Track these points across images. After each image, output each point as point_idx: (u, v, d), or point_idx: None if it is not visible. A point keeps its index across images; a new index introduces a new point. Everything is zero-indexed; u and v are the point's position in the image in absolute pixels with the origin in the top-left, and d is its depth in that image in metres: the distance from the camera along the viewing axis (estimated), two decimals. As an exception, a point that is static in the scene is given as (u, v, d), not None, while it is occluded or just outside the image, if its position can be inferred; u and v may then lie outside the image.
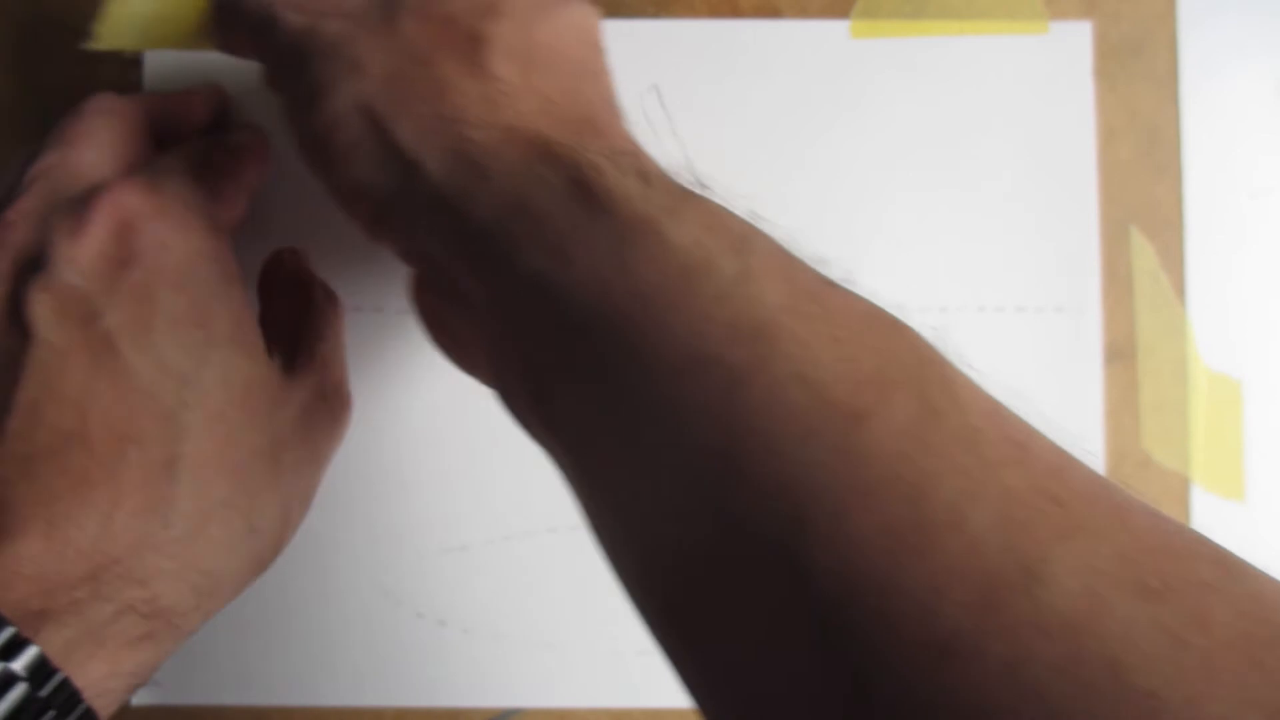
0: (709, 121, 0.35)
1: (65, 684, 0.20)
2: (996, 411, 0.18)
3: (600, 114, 0.24)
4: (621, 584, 0.21)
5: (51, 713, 0.20)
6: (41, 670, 0.20)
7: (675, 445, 0.19)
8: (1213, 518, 0.35)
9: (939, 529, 0.16)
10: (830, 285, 0.20)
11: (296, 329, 0.29)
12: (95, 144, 0.27)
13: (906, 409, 0.17)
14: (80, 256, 0.24)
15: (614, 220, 0.20)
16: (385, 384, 0.35)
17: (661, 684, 0.35)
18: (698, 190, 0.21)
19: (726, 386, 0.18)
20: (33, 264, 0.24)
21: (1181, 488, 0.35)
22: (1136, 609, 0.15)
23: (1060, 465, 0.17)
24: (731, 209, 0.21)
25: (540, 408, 0.22)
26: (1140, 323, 0.35)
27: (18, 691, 0.19)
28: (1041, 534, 0.16)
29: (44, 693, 0.20)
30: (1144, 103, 0.36)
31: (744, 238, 0.20)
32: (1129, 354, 0.35)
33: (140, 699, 0.34)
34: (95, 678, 0.21)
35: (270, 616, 0.34)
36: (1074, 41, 0.36)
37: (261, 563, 0.27)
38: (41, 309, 0.23)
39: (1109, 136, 0.36)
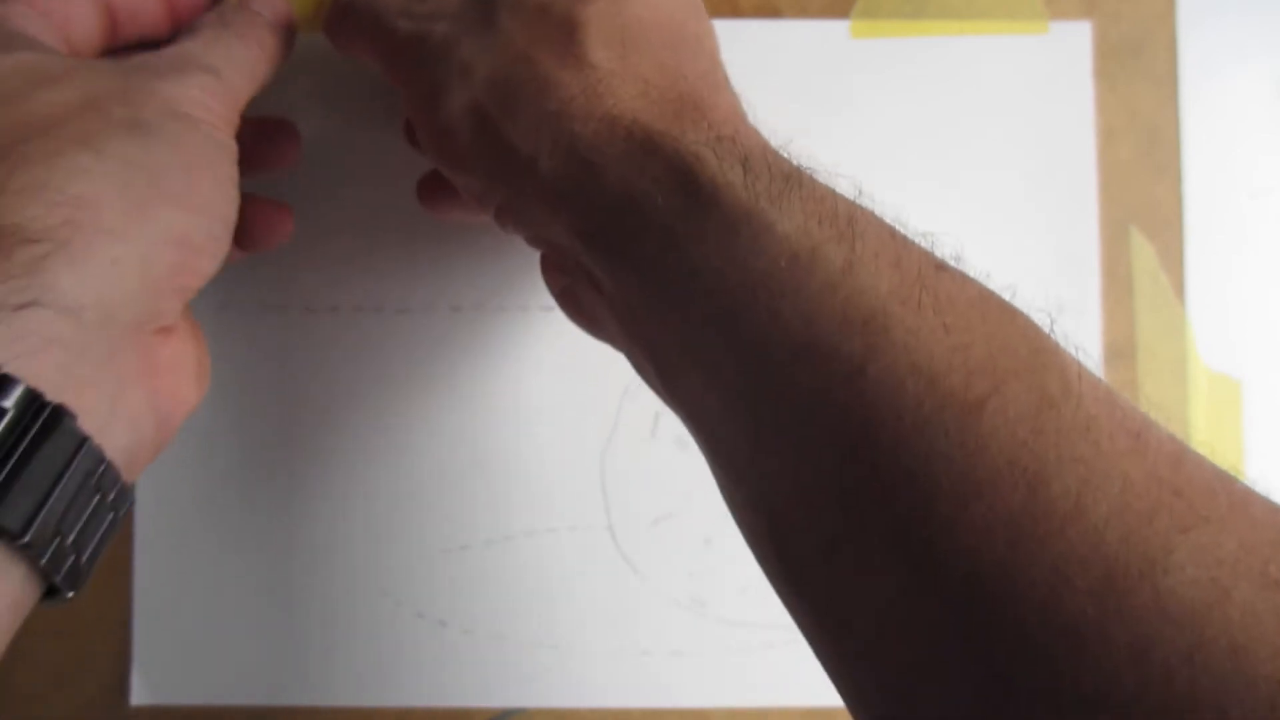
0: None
1: None
2: (1111, 400, 0.18)
3: (700, 89, 0.24)
4: (749, 544, 0.22)
5: None
6: None
7: (795, 430, 0.20)
8: (1213, 518, 0.35)
9: (1059, 518, 0.17)
10: (940, 268, 0.20)
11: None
12: None
13: (1022, 398, 0.18)
14: None
15: (720, 211, 0.21)
16: (385, 384, 0.35)
17: (662, 684, 0.35)
18: (801, 169, 0.21)
19: (844, 376, 0.19)
20: None
21: (1181, 488, 0.35)
22: (1258, 597, 0.16)
23: (1178, 455, 0.18)
24: (836, 189, 0.21)
25: (666, 385, 0.23)
26: (1140, 323, 0.35)
27: None
28: (1162, 524, 0.16)
29: None
30: (1144, 103, 0.36)
31: (850, 222, 0.20)
32: (1129, 354, 0.35)
33: (140, 698, 0.34)
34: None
35: (270, 616, 0.34)
36: (1074, 41, 0.36)
37: (149, 172, 0.24)
38: None
39: (1109, 136, 0.36)
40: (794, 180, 0.21)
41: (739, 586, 0.35)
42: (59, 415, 0.21)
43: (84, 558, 0.23)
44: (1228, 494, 0.17)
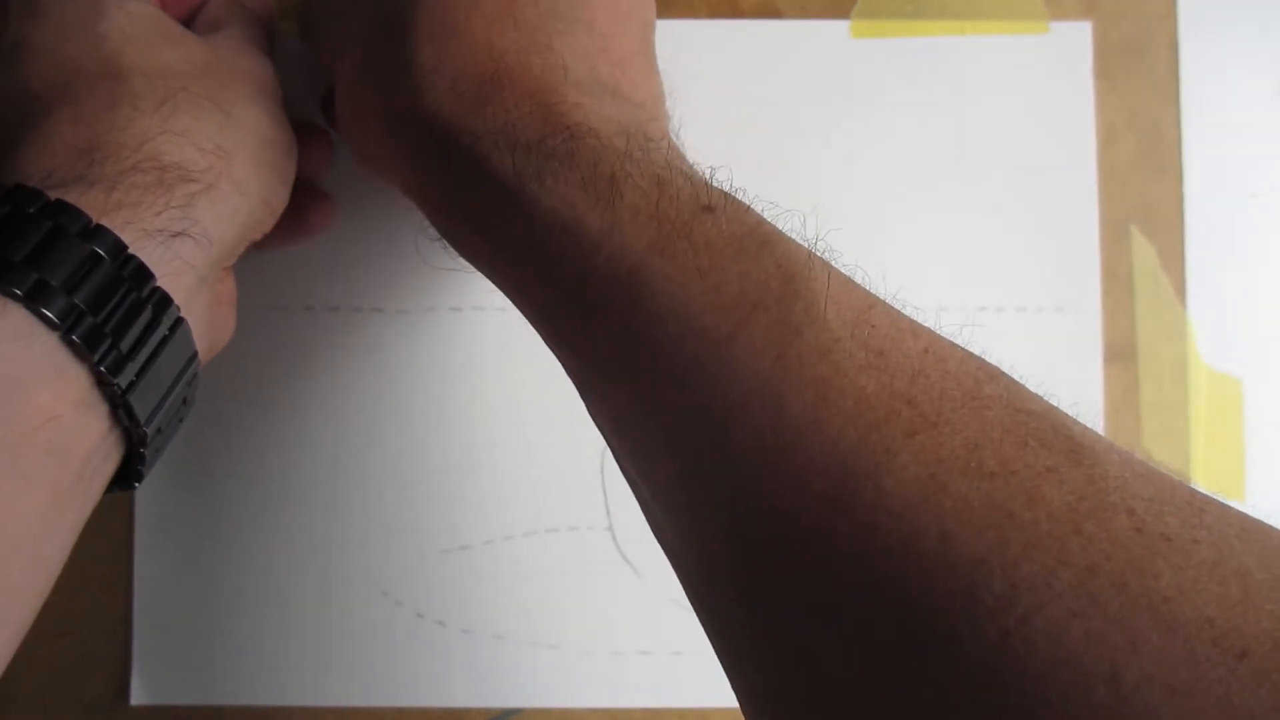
0: (709, 121, 0.35)
1: (111, 237, 0.23)
2: (861, 321, 0.20)
3: (513, 61, 0.25)
4: None
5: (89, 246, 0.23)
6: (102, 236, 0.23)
7: (596, 372, 0.23)
8: (1213, 518, 0.35)
9: (799, 432, 0.19)
10: (703, 213, 0.21)
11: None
12: None
13: (767, 329, 0.20)
14: None
15: (499, 195, 0.23)
16: (385, 384, 0.35)
17: (662, 684, 0.35)
18: (574, 137, 0.23)
19: (618, 326, 0.21)
20: None
21: (1182, 488, 0.35)
22: (972, 488, 0.17)
23: (920, 369, 0.19)
24: (606, 156, 0.23)
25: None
26: (1140, 323, 0.35)
27: (104, 268, 0.23)
28: (891, 430, 0.18)
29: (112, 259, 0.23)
30: (1144, 103, 0.36)
31: (613, 184, 0.22)
32: (1129, 354, 0.35)
33: (140, 698, 0.34)
34: (123, 220, 0.24)
35: (270, 616, 0.34)
36: (1074, 41, 0.36)
37: (260, 139, 0.28)
38: None
39: (1109, 136, 0.36)
40: (557, 154, 0.23)
41: (739, 586, 0.35)
42: (183, 328, 0.25)
43: (160, 453, 0.26)
44: (965, 400, 0.19)
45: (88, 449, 0.23)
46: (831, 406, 0.19)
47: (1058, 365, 0.35)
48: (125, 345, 0.23)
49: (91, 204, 0.23)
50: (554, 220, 0.22)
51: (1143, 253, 0.35)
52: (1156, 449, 0.35)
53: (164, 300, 0.24)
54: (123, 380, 0.23)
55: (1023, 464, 0.18)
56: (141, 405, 0.24)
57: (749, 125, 0.35)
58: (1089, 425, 0.19)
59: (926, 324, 0.21)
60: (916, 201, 0.35)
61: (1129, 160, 0.36)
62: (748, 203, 0.22)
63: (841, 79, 0.35)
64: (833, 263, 0.21)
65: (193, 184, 0.25)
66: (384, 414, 0.35)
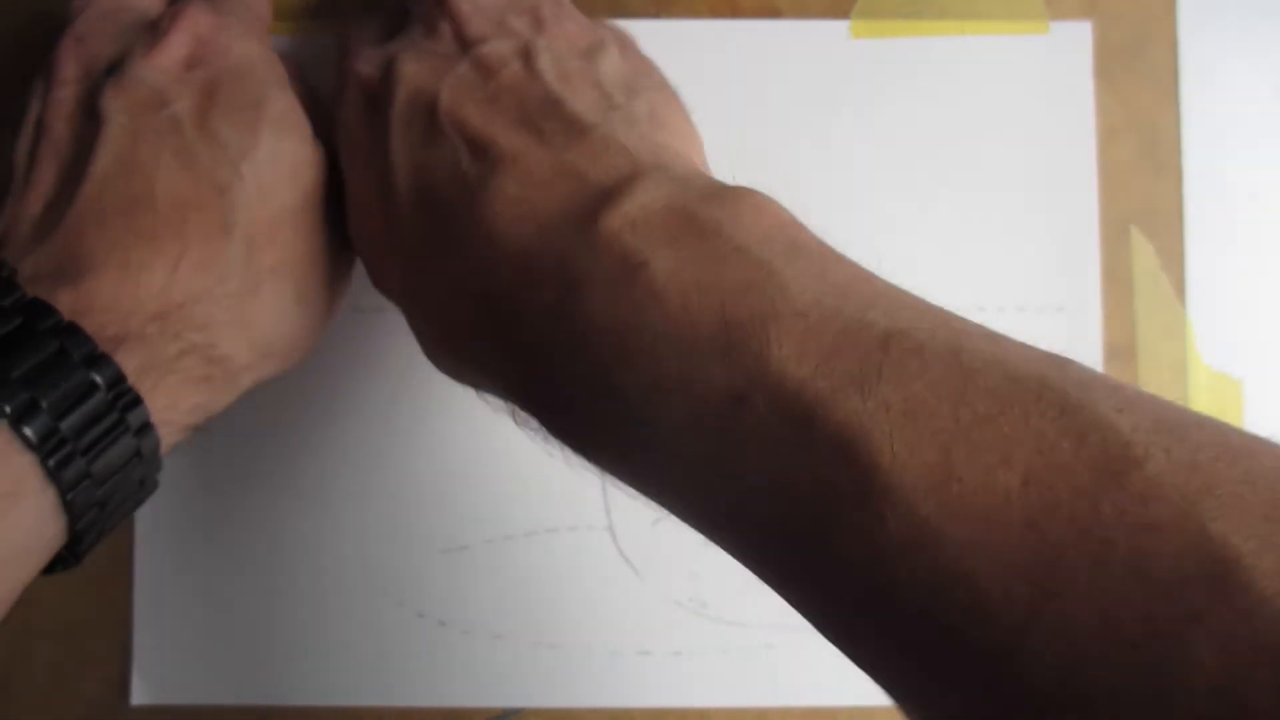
0: (709, 122, 0.35)
1: (135, 399, 0.23)
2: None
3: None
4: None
5: (124, 424, 0.22)
6: (116, 384, 0.22)
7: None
8: (1213, 518, 0.35)
9: None
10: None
11: None
12: None
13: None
14: (158, 63, 0.27)
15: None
16: (386, 384, 0.35)
17: (662, 684, 0.35)
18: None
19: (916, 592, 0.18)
20: (107, 70, 0.27)
21: (1181, 488, 0.35)
22: None
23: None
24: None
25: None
26: (1140, 323, 0.35)
27: (97, 399, 0.22)
28: None
29: (118, 404, 0.22)
30: (1144, 103, 0.36)
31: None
32: (1129, 354, 0.35)
33: (140, 698, 0.34)
34: (158, 406, 0.23)
35: (270, 616, 0.34)
36: (1074, 41, 0.36)
37: (308, 333, 0.28)
38: (116, 101, 0.26)
39: (1109, 136, 0.36)
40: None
41: (739, 586, 0.34)
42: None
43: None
44: None
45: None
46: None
47: (1058, 365, 0.35)
48: (95, 472, 0.22)
49: (131, 374, 0.23)
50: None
51: (1143, 253, 0.35)
52: (1156, 449, 0.35)
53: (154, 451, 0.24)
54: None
55: None
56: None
57: (749, 125, 0.35)
58: None
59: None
60: (916, 201, 0.35)
61: (1129, 160, 0.36)
62: None
63: (841, 79, 0.35)
64: None
65: (230, 382, 0.26)
66: (384, 414, 0.35)
